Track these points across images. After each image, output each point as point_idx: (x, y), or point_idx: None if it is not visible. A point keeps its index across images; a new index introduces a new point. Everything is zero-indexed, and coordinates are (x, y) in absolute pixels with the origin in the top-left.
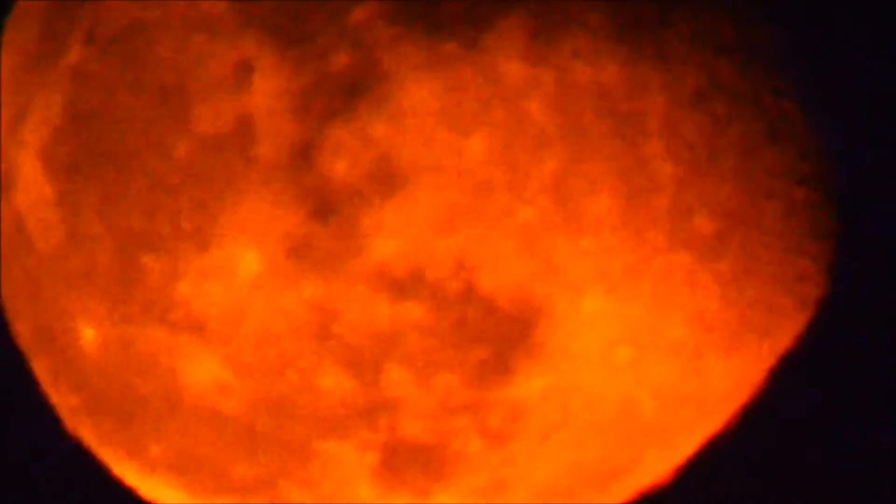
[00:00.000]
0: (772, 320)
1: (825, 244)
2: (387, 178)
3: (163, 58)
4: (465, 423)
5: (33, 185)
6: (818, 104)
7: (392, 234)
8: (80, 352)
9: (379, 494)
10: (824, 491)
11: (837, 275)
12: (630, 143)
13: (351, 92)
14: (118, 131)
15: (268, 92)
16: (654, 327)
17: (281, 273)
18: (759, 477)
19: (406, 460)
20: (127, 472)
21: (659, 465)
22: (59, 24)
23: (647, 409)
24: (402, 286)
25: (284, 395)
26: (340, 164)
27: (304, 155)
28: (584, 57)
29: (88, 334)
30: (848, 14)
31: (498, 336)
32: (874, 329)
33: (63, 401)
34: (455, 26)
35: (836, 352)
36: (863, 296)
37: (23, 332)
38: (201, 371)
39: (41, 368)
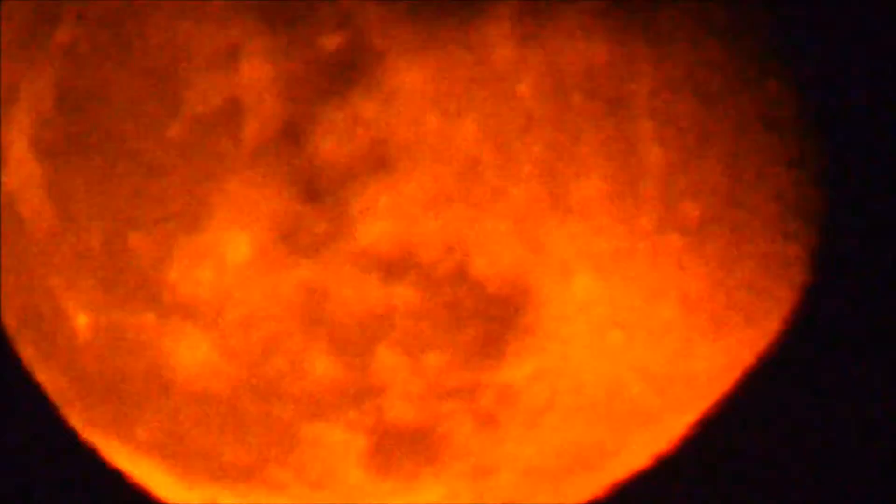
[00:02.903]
0: (759, 303)
1: (813, 227)
2: (377, 160)
3: (152, 39)
4: (455, 406)
5: (23, 167)
6: (809, 86)
7: (382, 216)
8: (70, 334)
9: (369, 478)
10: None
11: (825, 258)
12: (619, 126)
13: (341, 74)
14: (108, 113)
15: (257, 74)
16: (643, 309)
17: (270, 255)
18: (745, 465)
19: (396, 444)
20: (116, 455)
21: (647, 448)
22: (49, 3)
23: (636, 391)
24: (393, 268)
25: (273, 378)
26: (330, 145)
27: (294, 137)
28: (574, 38)
29: (78, 317)
30: None
31: (488, 318)
32: (860, 313)
33: (52, 383)
34: (446, 8)
35: (822, 336)
36: (850, 279)
37: (10, 314)
38: (191, 354)
39: (29, 351)
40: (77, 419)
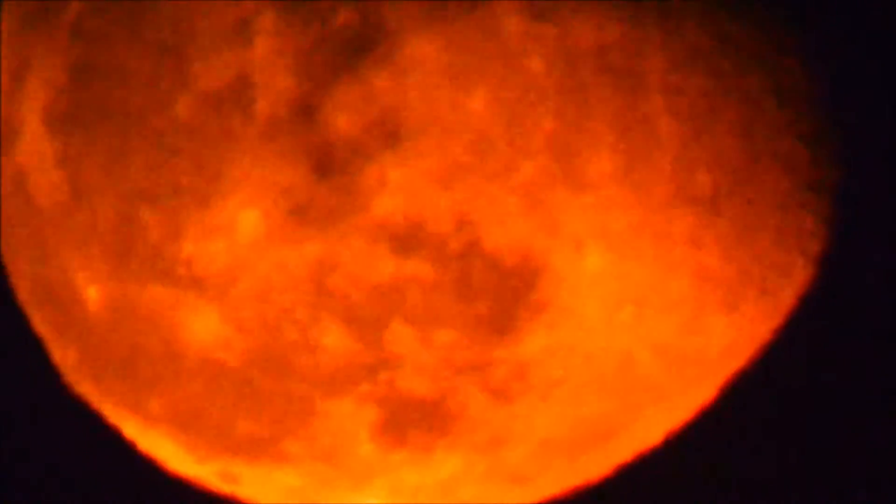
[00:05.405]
0: (773, 277)
1: (826, 200)
2: (389, 134)
3: (162, 15)
4: (468, 379)
5: (35, 143)
6: (821, 60)
7: (394, 190)
8: (82, 308)
9: (380, 451)
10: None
11: (838, 231)
12: (630, 100)
13: (353, 49)
14: (118, 88)
15: (268, 49)
16: (656, 284)
17: (282, 229)
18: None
19: (408, 416)
20: (127, 427)
21: (658, 423)
22: None
23: (647, 365)
24: (405, 242)
25: (285, 351)
26: (342, 120)
27: (305, 112)
28: (585, 13)
29: (91, 290)
30: None
31: (500, 292)
32: (876, 284)
33: (64, 356)
34: None
35: (838, 309)
36: (863, 251)
37: (23, 288)
38: (202, 327)
39: (42, 324)
40: (90, 392)
